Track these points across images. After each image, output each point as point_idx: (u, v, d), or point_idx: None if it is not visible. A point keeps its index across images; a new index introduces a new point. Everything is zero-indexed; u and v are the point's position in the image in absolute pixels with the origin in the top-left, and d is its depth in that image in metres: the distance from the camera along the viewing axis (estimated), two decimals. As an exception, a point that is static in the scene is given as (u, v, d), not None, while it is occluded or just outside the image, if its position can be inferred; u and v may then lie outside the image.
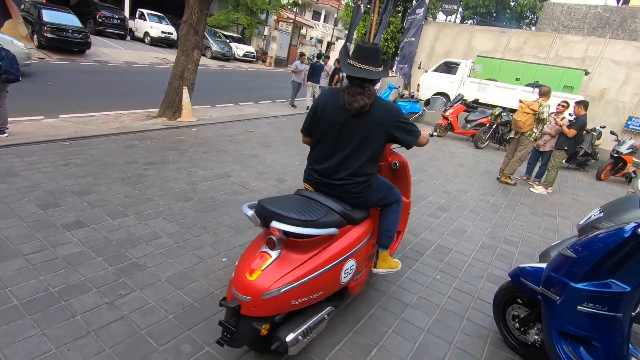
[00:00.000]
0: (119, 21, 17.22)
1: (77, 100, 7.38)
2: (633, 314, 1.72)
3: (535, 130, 6.02)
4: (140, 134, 5.47)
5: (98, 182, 3.68)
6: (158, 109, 6.80)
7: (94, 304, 2.09)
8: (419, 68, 15.38)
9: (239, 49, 20.90)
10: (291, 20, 24.34)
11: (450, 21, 21.27)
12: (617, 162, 8.41)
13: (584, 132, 7.46)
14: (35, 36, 11.94)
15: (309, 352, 2.02)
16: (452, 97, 12.13)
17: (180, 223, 3.16)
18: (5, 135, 4.65)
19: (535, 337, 2.09)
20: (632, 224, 1.57)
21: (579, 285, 1.68)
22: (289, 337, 1.65)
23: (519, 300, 2.21)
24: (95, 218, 3.01)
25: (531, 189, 6.36)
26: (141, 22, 19.04)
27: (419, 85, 13.66)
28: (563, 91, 11.35)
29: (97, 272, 2.36)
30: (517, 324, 2.18)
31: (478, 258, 3.50)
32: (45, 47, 11.81)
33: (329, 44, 36.33)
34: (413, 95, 11.62)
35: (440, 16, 21.46)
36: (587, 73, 12.22)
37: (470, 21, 28.38)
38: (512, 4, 29.15)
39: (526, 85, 11.76)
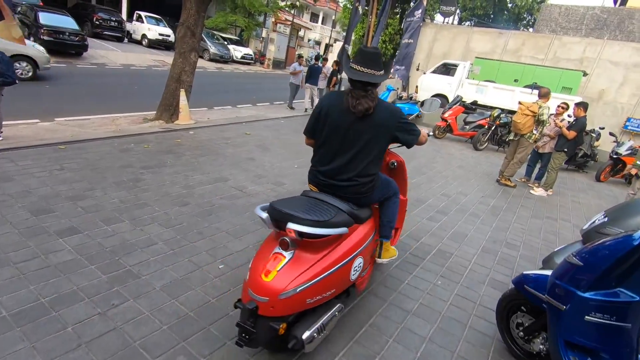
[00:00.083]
0: (116, 23, 17.15)
1: (74, 103, 7.31)
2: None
3: (535, 132, 5.98)
4: (137, 137, 5.40)
5: (93, 186, 3.61)
6: (155, 112, 6.74)
7: (85, 315, 2.03)
8: (417, 70, 15.36)
9: (237, 51, 20.85)
10: (289, 22, 24.33)
11: (448, 23, 21.28)
12: (617, 164, 8.38)
13: (584, 133, 7.43)
14: (31, 39, 11.86)
15: (308, 363, 1.97)
16: (450, 99, 12.11)
17: (176, 229, 3.10)
18: (0, 139, 4.58)
19: (541, 346, 2.04)
20: (641, 231, 1.52)
21: (587, 295, 1.63)
22: (305, 335, 1.70)
23: (522, 308, 2.16)
24: (89, 224, 2.94)
25: (531, 191, 6.32)
26: (139, 25, 18.98)
27: (417, 86, 13.64)
28: (561, 92, 11.34)
29: (90, 281, 2.30)
30: (522, 333, 2.13)
31: (479, 263, 3.45)
32: (42, 50, 11.71)
33: (327, 46, 36.35)
34: (411, 97, 11.61)
35: (438, 18, 21.47)
36: (585, 74, 12.22)
37: (468, 23, 28.41)
38: (510, 5, 29.21)
39: (525, 86, 11.73)
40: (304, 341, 1.69)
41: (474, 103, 10.60)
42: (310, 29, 36.72)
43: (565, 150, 6.12)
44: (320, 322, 1.79)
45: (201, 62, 16.28)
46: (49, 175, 3.70)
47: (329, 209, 1.89)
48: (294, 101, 10.47)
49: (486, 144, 9.37)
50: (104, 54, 14.00)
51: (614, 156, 8.28)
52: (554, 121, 6.13)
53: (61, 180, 3.63)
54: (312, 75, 10.03)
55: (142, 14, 18.90)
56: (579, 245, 2.47)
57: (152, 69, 13.70)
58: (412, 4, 17.03)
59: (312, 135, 2.18)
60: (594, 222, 2.50)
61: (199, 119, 7.09)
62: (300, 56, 10.95)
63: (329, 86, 10.49)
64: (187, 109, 6.70)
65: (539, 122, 5.89)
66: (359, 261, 2.05)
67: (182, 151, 5.11)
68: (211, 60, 19.03)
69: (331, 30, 37.11)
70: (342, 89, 10.91)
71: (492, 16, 29.60)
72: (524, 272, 2.11)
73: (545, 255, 3.85)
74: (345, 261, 1.90)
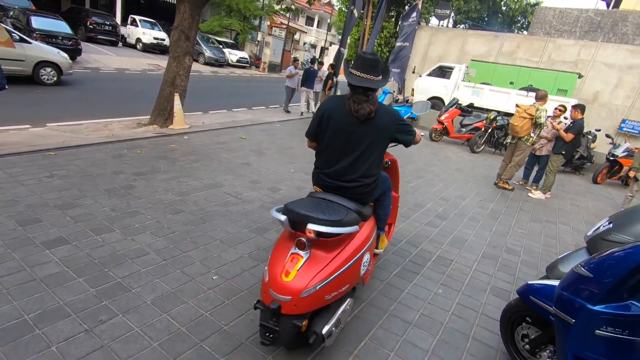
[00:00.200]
0: (110, 27, 17.03)
1: (66, 108, 7.19)
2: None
3: (532, 134, 5.94)
4: (130, 143, 5.30)
5: (83, 194, 3.51)
6: (149, 117, 6.64)
7: (71, 332, 1.93)
8: (413, 72, 15.36)
9: (232, 55, 20.78)
10: (284, 26, 24.31)
11: (443, 26, 21.36)
12: (613, 165, 8.38)
13: (581, 135, 7.42)
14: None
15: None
16: (446, 102, 12.10)
17: (169, 238, 3.00)
18: (-12, 145, 4.47)
19: (548, 359, 1.96)
20: (653, 241, 1.45)
21: (597, 308, 1.55)
22: (325, 330, 1.79)
23: (527, 319, 2.08)
24: (78, 234, 2.84)
25: (529, 194, 6.28)
26: (133, 29, 18.85)
27: (413, 89, 13.63)
28: (557, 94, 11.35)
29: (77, 295, 2.20)
30: (527, 345, 2.05)
31: (480, 269, 3.38)
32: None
33: (323, 49, 36.39)
34: (407, 100, 11.57)
35: (433, 21, 21.52)
36: (580, 76, 12.26)
37: (463, 26, 28.54)
38: (504, 8, 29.40)
39: (520, 89, 11.75)
40: (324, 336, 1.77)
41: (470, 106, 10.58)
42: (306, 33, 36.75)
43: (563, 152, 6.09)
44: (336, 316, 1.88)
45: (196, 66, 16.20)
46: (38, 183, 3.59)
47: (339, 208, 1.97)
48: (289, 105, 10.40)
49: (483, 146, 9.34)
50: (97, 58, 13.87)
51: (611, 158, 8.28)
52: (551, 123, 6.10)
53: (50, 188, 3.52)
54: (308, 78, 9.97)
55: (137, 17, 18.77)
56: (583, 252, 2.41)
57: (147, 73, 13.58)
58: (407, 7, 17.07)
59: (315, 138, 2.24)
60: (598, 228, 2.44)
61: (194, 124, 7.00)
62: (296, 59, 10.90)
63: (325, 89, 10.44)
64: (182, 114, 6.60)
65: (536, 124, 5.85)
66: (367, 257, 2.16)
67: (176, 156, 5.01)
68: (206, 64, 18.93)
69: (326, 34, 37.18)
70: (339, 92, 10.90)
71: (486, 19, 29.78)
72: (529, 282, 2.04)
73: (546, 260, 3.81)
74: (356, 257, 1.99)
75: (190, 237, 3.07)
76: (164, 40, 18.43)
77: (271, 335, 1.77)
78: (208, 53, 19.02)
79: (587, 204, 6.42)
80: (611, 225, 2.32)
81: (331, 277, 1.80)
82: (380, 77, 2.09)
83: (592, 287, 1.60)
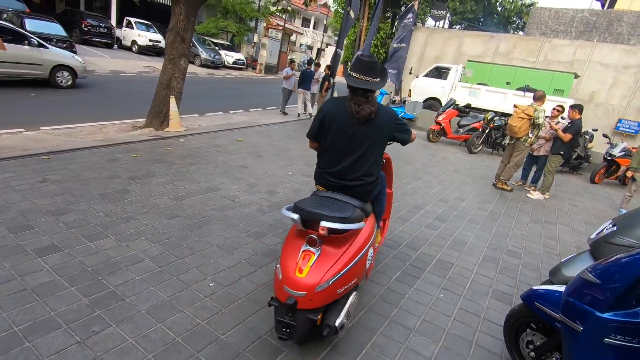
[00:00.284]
0: (105, 30, 16.92)
1: (60, 111, 7.10)
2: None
3: (530, 135, 5.92)
4: (125, 146, 5.23)
5: (77, 199, 3.44)
6: (145, 119, 6.57)
7: (62, 345, 1.86)
8: (410, 73, 15.35)
9: (229, 57, 20.71)
10: (281, 27, 24.27)
11: (438, 26, 21.40)
12: (611, 165, 8.38)
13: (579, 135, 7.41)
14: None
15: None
16: (443, 102, 12.09)
17: (164, 244, 2.94)
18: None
19: (554, 367, 1.92)
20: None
21: (606, 316, 1.51)
22: (337, 322, 1.87)
23: (532, 325, 2.04)
24: (71, 241, 2.77)
25: (528, 195, 6.25)
26: (128, 31, 18.75)
27: (410, 90, 13.61)
28: (553, 94, 11.37)
29: (69, 305, 2.13)
30: (533, 353, 2.00)
31: (481, 273, 3.33)
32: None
33: (319, 51, 36.40)
34: (404, 101, 11.54)
35: (430, 22, 21.57)
36: (577, 76, 12.29)
37: (459, 26, 28.61)
38: (499, 9, 29.51)
39: (517, 89, 11.76)
40: (337, 328, 1.86)
41: (468, 106, 10.57)
42: (302, 34, 36.73)
43: (562, 153, 6.07)
44: (346, 309, 1.95)
45: (192, 68, 16.12)
46: (31, 189, 3.52)
47: (345, 206, 2.04)
48: (286, 106, 10.35)
49: (480, 147, 9.33)
50: (92, 60, 13.75)
51: (608, 158, 8.28)
52: (549, 124, 6.08)
53: (43, 194, 3.45)
54: (305, 80, 9.92)
55: (132, 19, 18.67)
56: (587, 255, 2.36)
57: (143, 75, 13.49)
58: (403, 8, 17.08)
59: (316, 139, 2.31)
60: (601, 231, 2.40)
61: (190, 126, 6.93)
62: (292, 61, 10.84)
63: (322, 91, 10.39)
64: (178, 116, 6.53)
65: (534, 125, 5.83)
66: (371, 251, 2.27)
67: (172, 160, 4.95)
68: (202, 65, 18.85)
69: (323, 35, 37.20)
70: (335, 93, 10.85)
71: (481, 20, 29.88)
72: (533, 287, 2.00)
73: (547, 263, 3.78)
74: (362, 252, 2.07)
75: (186, 242, 3.01)
76: (159, 42, 18.34)
77: (288, 330, 1.83)
78: (204, 55, 18.94)
79: (585, 204, 6.40)
80: (615, 228, 2.28)
81: (342, 272, 1.88)
82: (379, 78, 2.17)
83: (600, 293, 1.56)
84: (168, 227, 3.20)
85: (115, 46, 18.18)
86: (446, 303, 2.77)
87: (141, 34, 18.40)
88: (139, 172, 4.34)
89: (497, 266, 3.52)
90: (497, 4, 29.21)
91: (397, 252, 3.44)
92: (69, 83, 9.08)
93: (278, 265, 1.92)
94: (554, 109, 6.14)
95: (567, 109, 6.30)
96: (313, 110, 10.56)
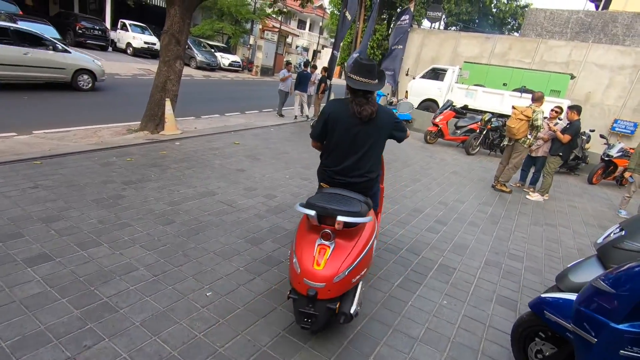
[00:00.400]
0: (99, 32, 16.79)
1: (54, 115, 6.98)
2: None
3: (529, 136, 5.89)
4: (120, 150, 5.13)
5: (69, 206, 3.34)
6: (140, 122, 6.47)
7: (52, 361, 1.78)
8: (407, 75, 15.35)
9: (225, 59, 20.62)
10: (276, 29, 24.22)
11: (434, 28, 21.44)
12: (608, 166, 8.38)
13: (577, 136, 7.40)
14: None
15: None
16: (440, 104, 12.07)
17: (160, 251, 2.85)
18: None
19: (565, 378, 1.85)
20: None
21: (622, 327, 1.45)
22: (352, 309, 2.02)
23: (541, 334, 1.98)
24: (62, 249, 2.68)
25: (527, 196, 6.22)
26: (123, 33, 18.62)
27: (407, 92, 13.59)
28: (550, 95, 11.38)
29: (60, 318, 2.04)
30: (542, 363, 1.94)
31: (484, 277, 3.27)
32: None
33: (315, 52, 36.37)
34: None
35: (426, 23, 21.59)
36: (573, 77, 12.31)
37: (454, 28, 28.70)
38: (494, 10, 29.63)
39: (514, 90, 11.77)
40: (352, 315, 2.01)
41: (465, 107, 10.55)
42: (298, 36, 36.69)
43: (561, 154, 6.04)
44: (357, 297, 2.09)
45: (188, 70, 16.01)
46: (21, 195, 3.42)
47: (353, 201, 2.15)
48: (283, 108, 10.28)
49: (478, 148, 9.30)
50: (86, 63, 13.59)
51: (606, 158, 8.28)
52: (548, 125, 6.05)
53: (34, 200, 3.35)
54: (301, 82, 9.85)
55: (127, 22, 18.55)
56: (594, 261, 2.31)
57: (138, 78, 13.36)
58: (399, 10, 17.08)
59: (320, 139, 2.44)
60: (609, 235, 2.35)
61: (186, 129, 6.84)
62: (288, 63, 10.78)
63: (318, 93, 10.34)
64: (173, 119, 6.44)
65: (533, 126, 5.79)
66: (376, 242, 2.39)
67: (168, 163, 4.85)
68: (198, 68, 18.75)
69: (319, 37, 37.21)
70: (332, 95, 10.79)
71: (477, 21, 29.99)
72: (542, 295, 1.94)
73: (550, 266, 3.73)
74: (370, 243, 2.17)
75: (182, 249, 2.93)
76: (154, 44, 18.23)
77: (310, 320, 1.97)
78: (200, 57, 18.84)
79: (584, 206, 6.38)
80: (623, 232, 2.23)
81: (355, 262, 2.00)
82: (377, 80, 2.30)
83: (614, 304, 1.50)
84: (163, 234, 3.11)
85: (110, 49, 18.03)
86: (450, 310, 2.71)
87: (136, 37, 18.28)
88: (134, 176, 4.24)
89: (499, 270, 3.46)
90: (492, 5, 29.31)
91: (398, 257, 3.37)
92: (89, 86, 9.38)
93: (295, 260, 2.01)
94: (552, 110, 6.11)
95: (565, 109, 6.28)
96: (310, 112, 10.50)
